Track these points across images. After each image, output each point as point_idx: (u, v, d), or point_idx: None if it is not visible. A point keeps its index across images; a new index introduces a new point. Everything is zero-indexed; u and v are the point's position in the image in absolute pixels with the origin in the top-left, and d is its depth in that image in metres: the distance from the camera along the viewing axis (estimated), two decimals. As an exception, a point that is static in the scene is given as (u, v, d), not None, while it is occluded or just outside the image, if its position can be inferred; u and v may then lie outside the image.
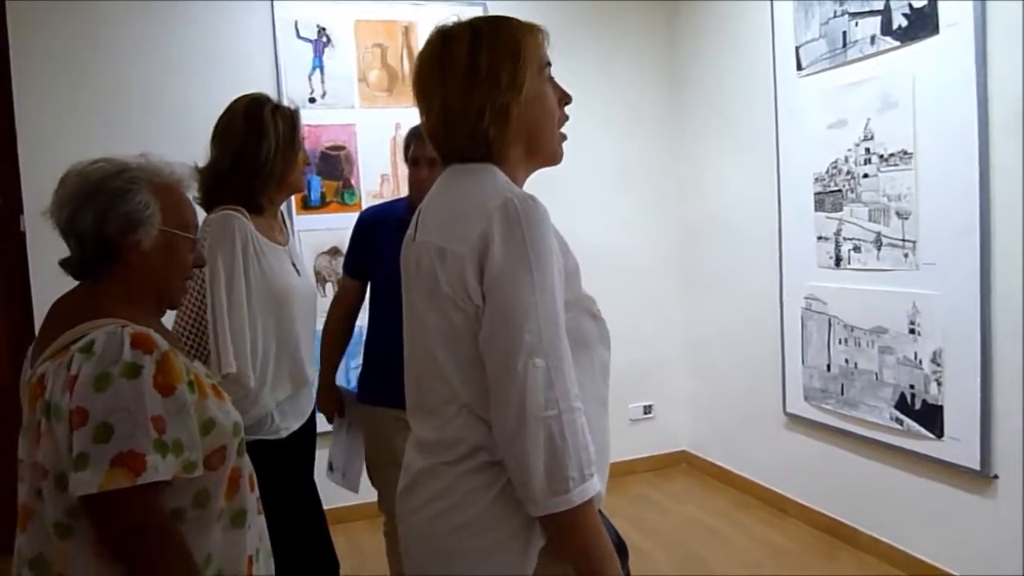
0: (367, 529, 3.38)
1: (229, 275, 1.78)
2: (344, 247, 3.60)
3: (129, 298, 1.22)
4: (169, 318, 1.70)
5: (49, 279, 3.09)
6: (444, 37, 1.18)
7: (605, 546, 1.09)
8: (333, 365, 2.46)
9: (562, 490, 1.04)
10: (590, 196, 4.05)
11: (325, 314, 2.45)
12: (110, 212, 1.19)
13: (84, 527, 1.10)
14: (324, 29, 3.56)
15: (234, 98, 1.95)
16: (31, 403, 1.14)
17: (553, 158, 1.25)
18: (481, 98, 1.14)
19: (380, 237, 2.35)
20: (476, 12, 3.73)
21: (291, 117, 1.93)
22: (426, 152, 2.17)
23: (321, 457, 2.29)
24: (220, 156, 1.89)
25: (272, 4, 3.48)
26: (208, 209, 1.90)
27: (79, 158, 1.27)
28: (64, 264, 1.25)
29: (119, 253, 1.20)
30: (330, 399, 2.44)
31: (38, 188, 3.32)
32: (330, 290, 3.50)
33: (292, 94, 3.37)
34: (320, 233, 3.53)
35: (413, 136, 2.30)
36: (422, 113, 1.22)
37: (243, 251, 1.80)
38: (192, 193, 1.33)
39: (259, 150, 1.86)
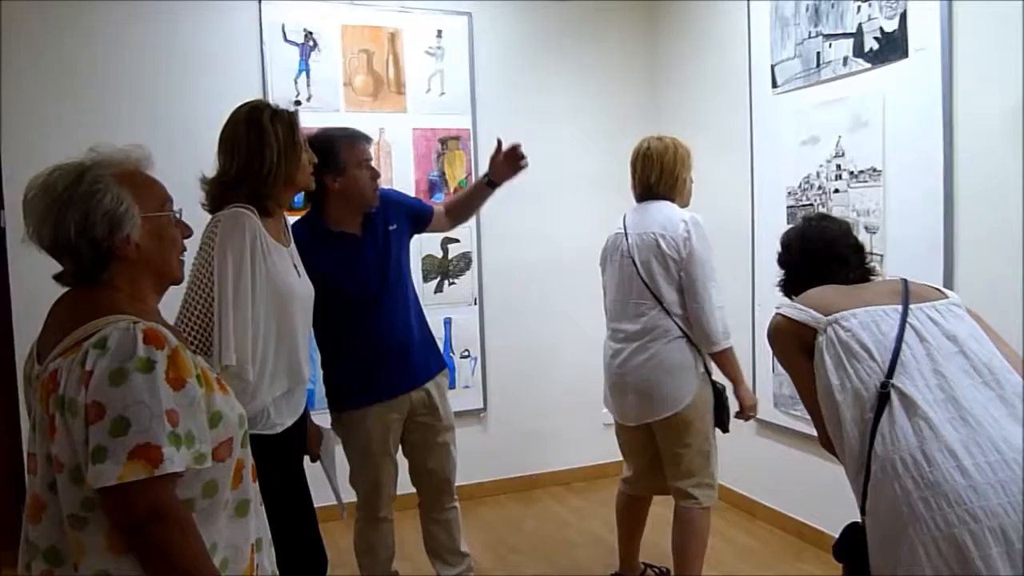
0: (342, 528, 3.40)
1: (237, 270, 1.82)
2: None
3: (132, 292, 1.24)
4: (172, 312, 1.74)
5: (29, 274, 3.11)
6: (676, 143, 2.66)
7: (740, 369, 2.62)
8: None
9: (725, 336, 2.53)
10: (567, 199, 4.12)
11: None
12: (90, 217, 1.18)
13: (98, 519, 1.12)
14: (311, 33, 3.59)
15: (235, 107, 1.99)
16: (43, 399, 1.16)
17: None
18: (685, 173, 2.66)
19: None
20: (462, 19, 3.83)
21: (289, 120, 1.97)
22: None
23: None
24: (227, 166, 1.94)
25: (260, 7, 3.50)
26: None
27: (62, 154, 1.24)
28: (60, 278, 1.24)
29: (114, 252, 1.21)
30: (312, 437, 2.29)
31: (20, 184, 3.29)
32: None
33: (278, 96, 3.40)
34: (303, 234, 3.54)
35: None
36: (649, 174, 2.66)
37: (251, 248, 1.84)
38: (152, 171, 1.30)
39: (263, 158, 1.91)
